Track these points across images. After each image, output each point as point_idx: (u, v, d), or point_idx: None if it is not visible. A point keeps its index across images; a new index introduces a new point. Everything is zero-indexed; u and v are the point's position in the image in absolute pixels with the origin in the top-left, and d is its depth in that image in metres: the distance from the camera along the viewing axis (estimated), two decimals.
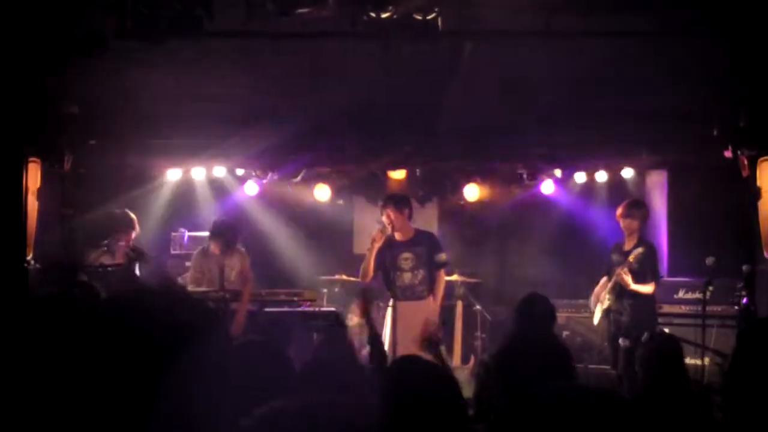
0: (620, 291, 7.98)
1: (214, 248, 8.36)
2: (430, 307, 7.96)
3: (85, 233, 8.81)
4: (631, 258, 7.88)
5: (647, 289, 7.93)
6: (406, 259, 7.98)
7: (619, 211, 8.30)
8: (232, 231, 8.45)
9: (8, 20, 5.71)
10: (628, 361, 7.51)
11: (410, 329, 7.67)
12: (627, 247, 8.16)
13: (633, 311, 7.86)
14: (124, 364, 1.49)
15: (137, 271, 8.28)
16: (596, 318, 8.23)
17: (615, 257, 8.25)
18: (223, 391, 1.52)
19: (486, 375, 4.47)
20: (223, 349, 1.59)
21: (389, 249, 7.99)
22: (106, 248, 8.26)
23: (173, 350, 1.49)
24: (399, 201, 8.08)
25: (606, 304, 8.09)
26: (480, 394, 4.47)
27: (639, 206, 8.42)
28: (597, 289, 8.29)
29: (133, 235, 8.49)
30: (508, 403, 2.91)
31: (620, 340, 7.76)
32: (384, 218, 8.00)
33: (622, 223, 8.24)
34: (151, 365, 1.49)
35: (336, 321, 7.69)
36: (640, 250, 7.89)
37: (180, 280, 8.63)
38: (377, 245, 7.93)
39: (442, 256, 8.11)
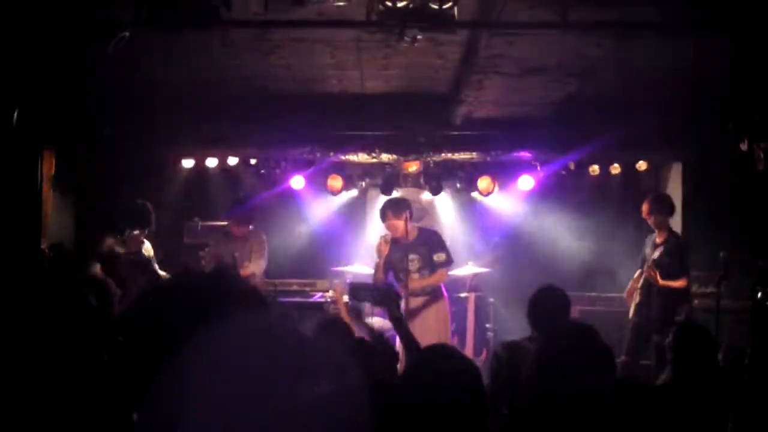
0: (649, 286, 8.04)
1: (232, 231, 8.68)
2: (440, 301, 8.11)
3: (102, 221, 8.86)
4: (658, 253, 7.92)
5: (677, 284, 7.97)
6: (412, 260, 8.02)
7: (644, 208, 8.34)
8: (247, 210, 8.68)
9: (27, 8, 5.71)
10: (660, 355, 7.54)
11: (422, 321, 7.80)
12: (658, 240, 8.22)
13: (662, 306, 7.91)
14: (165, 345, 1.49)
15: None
16: (631, 311, 8.29)
17: (647, 251, 8.30)
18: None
19: (498, 367, 4.45)
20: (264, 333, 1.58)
21: (395, 252, 8.06)
22: (120, 237, 8.33)
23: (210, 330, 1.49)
24: (396, 206, 8.11)
25: (637, 299, 8.16)
26: (493, 387, 4.45)
27: (660, 200, 8.47)
28: (631, 283, 8.38)
29: (147, 230, 8.60)
30: (545, 398, 2.89)
31: (654, 336, 7.80)
32: (386, 226, 8.03)
33: (649, 220, 8.29)
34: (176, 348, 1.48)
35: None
36: (667, 245, 7.95)
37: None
38: (384, 256, 8.02)
39: (441, 256, 8.11)
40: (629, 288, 8.42)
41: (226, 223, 8.99)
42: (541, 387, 3.02)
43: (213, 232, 9.41)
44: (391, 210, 8.01)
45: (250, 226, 8.80)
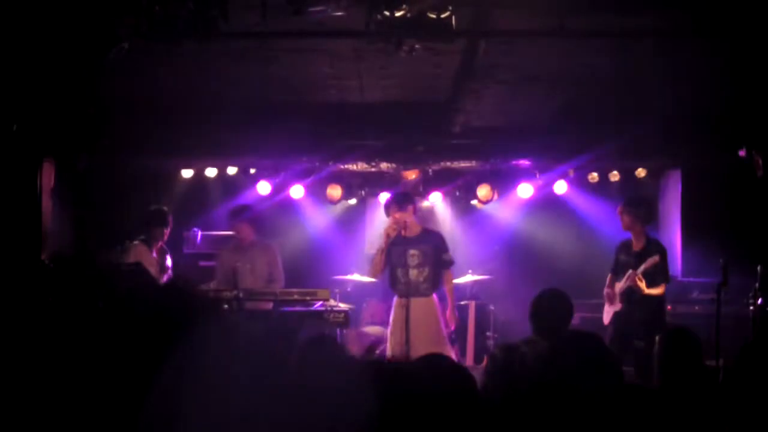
0: (631, 293, 7.95)
1: (236, 239, 8.60)
2: (436, 306, 7.96)
3: (107, 232, 8.88)
4: (646, 265, 7.81)
5: (659, 291, 7.92)
6: (413, 255, 7.90)
7: (619, 208, 8.22)
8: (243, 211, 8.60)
9: (25, 20, 5.72)
10: (643, 362, 7.48)
11: (421, 326, 7.71)
12: (636, 247, 8.09)
13: (645, 313, 7.84)
14: (121, 357, 1.49)
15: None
16: (606, 317, 8.18)
17: (623, 257, 8.17)
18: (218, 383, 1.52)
19: (494, 368, 4.44)
20: (218, 341, 1.59)
21: (396, 245, 7.94)
22: (120, 248, 8.30)
23: (168, 344, 1.49)
24: (401, 200, 8.02)
25: (617, 306, 8.06)
26: (487, 387, 4.43)
27: (637, 205, 8.23)
28: (606, 288, 8.25)
29: (167, 231, 8.59)
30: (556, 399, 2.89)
31: (635, 342, 7.72)
32: (390, 221, 8.00)
33: (621, 221, 8.16)
34: (146, 358, 1.49)
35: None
36: (656, 258, 7.81)
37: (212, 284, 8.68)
38: (391, 239, 7.89)
39: (448, 256, 8.08)
40: (607, 292, 8.30)
41: (230, 233, 8.91)
42: (549, 389, 3.03)
43: (220, 243, 9.46)
44: (396, 204, 7.94)
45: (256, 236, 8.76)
